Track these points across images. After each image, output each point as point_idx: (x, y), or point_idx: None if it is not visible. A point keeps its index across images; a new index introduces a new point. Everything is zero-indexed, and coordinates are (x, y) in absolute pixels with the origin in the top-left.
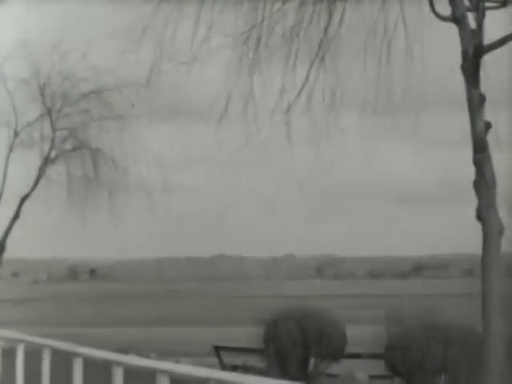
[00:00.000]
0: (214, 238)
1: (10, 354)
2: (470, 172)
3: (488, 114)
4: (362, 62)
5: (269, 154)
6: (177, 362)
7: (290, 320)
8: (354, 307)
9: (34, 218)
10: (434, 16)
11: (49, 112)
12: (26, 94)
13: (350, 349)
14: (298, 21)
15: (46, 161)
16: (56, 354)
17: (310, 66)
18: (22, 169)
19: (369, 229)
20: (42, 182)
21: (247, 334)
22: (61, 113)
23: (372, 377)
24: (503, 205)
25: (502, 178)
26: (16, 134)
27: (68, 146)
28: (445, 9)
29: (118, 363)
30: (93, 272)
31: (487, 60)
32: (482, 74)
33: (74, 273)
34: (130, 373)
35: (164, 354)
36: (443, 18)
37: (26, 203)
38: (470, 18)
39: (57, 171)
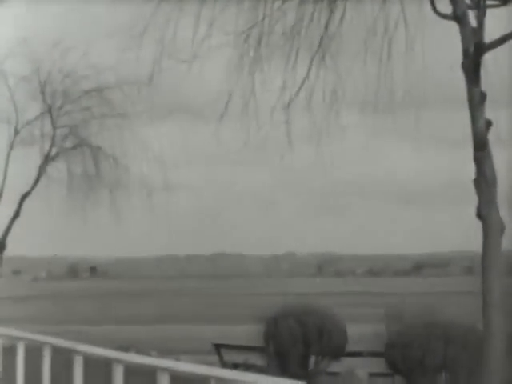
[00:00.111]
0: (215, 236)
1: (10, 351)
2: (471, 170)
3: (489, 112)
4: (362, 60)
5: (269, 152)
6: (177, 359)
7: (290, 318)
8: (355, 305)
9: (35, 216)
10: (434, 14)
11: (49, 110)
12: (26, 92)
13: (351, 347)
14: (299, 19)
15: (47, 159)
16: (56, 351)
17: (310, 64)
18: (22, 167)
19: (369, 227)
20: (43, 179)
21: (248, 332)
22: (61, 110)
23: (372, 375)
24: (504, 203)
25: (503, 175)
26: (16, 132)
27: (68, 143)
28: (445, 7)
29: (119, 361)
30: (93, 270)
31: (488, 58)
32: (482, 72)
33: (74, 271)
34: (131, 370)
35: (164, 352)
36: (444, 16)
37: (27, 201)
38: (471, 16)
39: (57, 169)
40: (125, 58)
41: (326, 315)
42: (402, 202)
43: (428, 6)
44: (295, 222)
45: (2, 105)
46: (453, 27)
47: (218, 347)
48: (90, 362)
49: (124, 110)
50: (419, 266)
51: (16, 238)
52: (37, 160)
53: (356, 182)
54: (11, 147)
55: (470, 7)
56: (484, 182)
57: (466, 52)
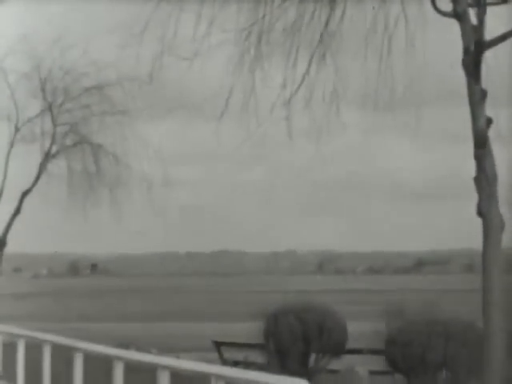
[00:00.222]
0: (216, 234)
1: (10, 348)
2: (471, 167)
3: (489, 110)
4: (362, 58)
5: (270, 150)
6: (177, 357)
7: (290, 315)
8: (355, 303)
9: (35, 213)
10: (434, 11)
11: (50, 107)
12: (26, 89)
13: (351, 344)
14: (299, 16)
15: (47, 156)
16: (57, 348)
17: (310, 61)
18: (22, 164)
19: (369, 224)
20: (43, 177)
21: (248, 330)
22: (62, 108)
23: (372, 372)
24: (504, 200)
25: (503, 173)
26: (17, 130)
27: (69, 141)
28: (446, 4)
29: (119, 358)
30: (94, 267)
31: (488, 55)
32: (483, 69)
33: (75, 268)
34: (131, 368)
35: (165, 350)
36: (444, 14)
37: (27, 198)
38: (471, 14)
39: (58, 166)
40: (125, 55)
41: (327, 313)
42: (402, 200)
43: (428, 4)
44: (295, 219)
45: (3, 102)
46: (453, 24)
47: (218, 345)
48: (90, 359)
49: (124, 108)
50: (419, 264)
51: (17, 235)
52: (37, 157)
53: (356, 180)
54: (12, 145)
55: (470, 5)
56: (484, 179)
57: (466, 49)
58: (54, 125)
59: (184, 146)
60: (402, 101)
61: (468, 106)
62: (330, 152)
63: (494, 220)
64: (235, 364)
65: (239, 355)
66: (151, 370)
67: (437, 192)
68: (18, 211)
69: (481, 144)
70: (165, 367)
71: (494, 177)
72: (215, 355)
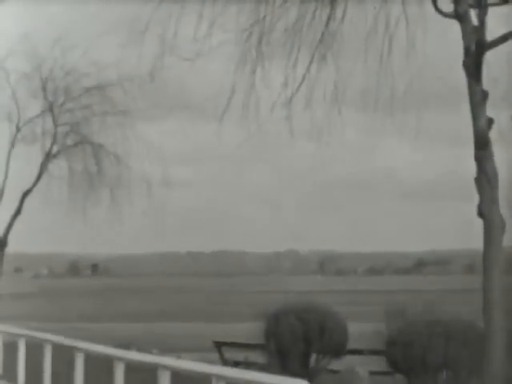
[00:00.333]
0: (217, 233)
1: (11, 348)
2: (472, 168)
3: (490, 111)
4: (363, 58)
5: (271, 149)
6: (178, 357)
7: (291, 315)
8: (356, 303)
9: (36, 214)
10: (435, 12)
11: (51, 107)
12: (28, 89)
13: (351, 345)
14: (300, 17)
15: (48, 156)
16: (57, 348)
17: (311, 61)
18: (23, 164)
19: (370, 225)
20: (44, 177)
21: (248, 330)
22: (63, 108)
23: (373, 373)
24: (504, 201)
25: (504, 174)
26: (18, 130)
27: (70, 141)
28: (447, 5)
29: (120, 358)
30: (95, 267)
31: (489, 56)
32: (484, 70)
33: (75, 268)
34: (132, 368)
35: (165, 350)
36: (445, 15)
37: (28, 198)
38: (472, 15)
39: (58, 166)
40: (126, 55)
41: (327, 313)
42: (403, 200)
43: (429, 4)
44: (297, 219)
45: (4, 102)
46: (454, 25)
47: (218, 345)
48: (91, 359)
49: (125, 108)
50: (420, 264)
51: (17, 235)
52: (38, 157)
53: (358, 180)
54: (13, 145)
55: (471, 5)
56: (485, 180)
57: (467, 50)
58: (55, 125)
59: (185, 146)
60: (403, 101)
61: (469, 106)
62: (331, 152)
63: (494, 220)
64: (236, 364)
65: (240, 355)
66: (152, 370)
67: (438, 192)
68: (18, 211)
69: (482, 145)
70: (165, 367)
71: (495, 178)
72: (216, 355)
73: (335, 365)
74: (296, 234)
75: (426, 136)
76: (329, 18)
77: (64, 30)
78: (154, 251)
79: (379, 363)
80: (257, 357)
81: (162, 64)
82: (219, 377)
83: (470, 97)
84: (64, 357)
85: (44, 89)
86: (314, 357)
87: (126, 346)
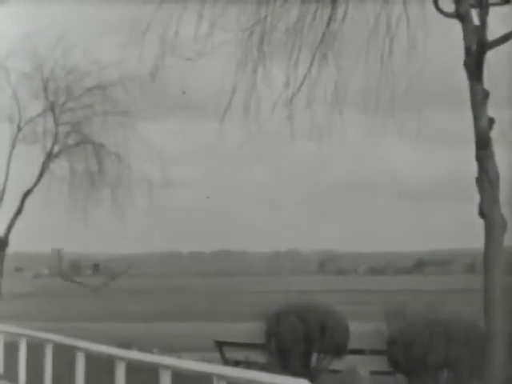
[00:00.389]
0: (218, 233)
1: (12, 348)
2: (473, 168)
3: (491, 110)
4: (364, 58)
5: (272, 149)
6: (179, 357)
7: (292, 315)
8: (357, 303)
9: (37, 213)
10: (436, 12)
11: (52, 107)
12: (29, 89)
13: (352, 345)
14: (301, 17)
15: (49, 156)
16: (58, 348)
17: (312, 61)
18: (24, 164)
19: (371, 225)
20: (45, 176)
21: (249, 330)
22: (64, 107)
23: (374, 373)
24: (506, 201)
25: (505, 173)
26: (19, 129)
27: (71, 140)
28: (448, 5)
29: (121, 358)
30: (96, 267)
31: (490, 56)
32: (485, 70)
33: (76, 267)
34: (133, 367)
35: (166, 349)
36: (447, 15)
37: (29, 198)
38: (474, 15)
39: (60, 166)
40: (127, 55)
41: (328, 313)
42: (404, 200)
43: (430, 5)
44: (297, 219)
45: (5, 102)
46: (455, 25)
47: (219, 344)
48: (92, 359)
49: (127, 108)
50: (421, 264)
51: (18, 234)
52: (39, 157)
53: (358, 180)
54: (14, 145)
55: (472, 5)
56: (486, 180)
57: (468, 50)
58: (56, 124)
59: (186, 146)
60: (404, 101)
61: (470, 106)
62: (331, 152)
63: (495, 220)
64: (237, 364)
65: (241, 355)
66: (153, 370)
67: (439, 192)
68: (19, 211)
69: (483, 145)
70: (166, 367)
71: (496, 177)
72: (217, 355)
73: (336, 364)
74: (297, 234)
75: (427, 136)
76: (330, 18)
77: (65, 29)
78: (156, 251)
79: (380, 363)
80: (258, 356)
81: (163, 64)
82: (220, 376)
83: (471, 96)
84: (65, 356)
85: (45, 88)
86: (314, 356)
87: (127, 345)
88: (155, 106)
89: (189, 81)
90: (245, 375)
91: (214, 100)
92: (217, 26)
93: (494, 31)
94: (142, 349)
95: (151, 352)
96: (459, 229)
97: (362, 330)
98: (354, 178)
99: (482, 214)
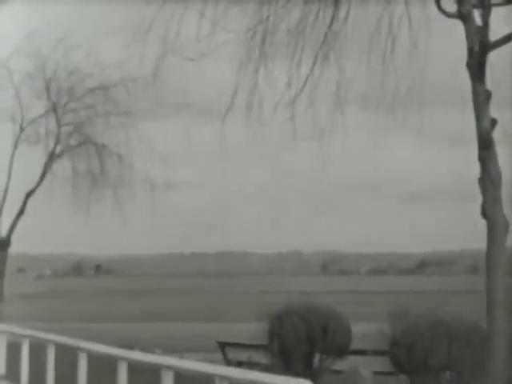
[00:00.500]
0: (220, 234)
1: (14, 348)
2: (475, 168)
3: (493, 111)
4: (366, 59)
5: (274, 150)
6: (181, 357)
7: (294, 316)
8: (359, 303)
9: (39, 214)
10: (438, 13)
11: (54, 107)
12: (31, 90)
13: (355, 345)
14: (303, 17)
15: (52, 156)
16: (60, 349)
17: (314, 62)
18: (27, 164)
19: (374, 225)
20: (47, 177)
21: (252, 330)
22: (66, 108)
23: (376, 373)
24: (508, 201)
25: (507, 174)
26: (21, 130)
27: (73, 141)
28: (450, 6)
29: (123, 358)
30: (98, 267)
31: (492, 57)
32: (487, 70)
33: (79, 268)
34: (135, 368)
35: (168, 350)
36: (449, 15)
37: (31, 199)
38: (476, 15)
39: (62, 166)
40: (129, 55)
41: (331, 313)
42: (406, 201)
43: (432, 5)
44: (300, 220)
45: (7, 102)
46: (457, 26)
47: (222, 345)
48: (94, 360)
49: (128, 108)
50: (423, 265)
51: (21, 235)
52: (41, 157)
53: (360, 180)
54: (16, 145)
55: (474, 6)
56: (489, 180)
57: (470, 50)
58: (59, 125)
59: (188, 146)
60: (405, 101)
61: (472, 107)
62: (333, 152)
63: (498, 221)
64: (239, 364)
65: (243, 356)
66: (155, 371)
67: (441, 192)
68: (22, 211)
69: (485, 145)
70: (169, 367)
71: (499, 178)
72: (219, 356)
73: (339, 365)
74: (299, 235)
75: (429, 136)
76: (332, 19)
77: (67, 30)
78: (158, 252)
79: (383, 363)
80: (260, 357)
81: (165, 64)
82: (222, 377)
83: (473, 97)
84: (67, 357)
85: (47, 89)
86: (317, 357)
87: (130, 346)
88: (157, 107)
89: (191, 81)
90: (247, 376)
91: (216, 100)
92: (219, 27)
93: (496, 32)
94: (144, 349)
95: (153, 352)
96: (462, 230)
97: (364, 330)
98: (356, 179)
99: (484, 214)
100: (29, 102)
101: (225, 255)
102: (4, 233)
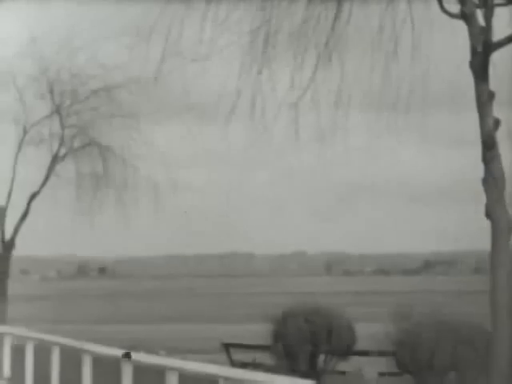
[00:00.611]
0: (224, 236)
1: (19, 350)
2: (479, 169)
3: (497, 111)
4: (369, 60)
5: (277, 152)
6: (186, 359)
7: (299, 317)
8: (363, 304)
9: (43, 216)
10: (441, 13)
11: (58, 109)
12: (35, 92)
13: (360, 346)
14: (306, 19)
15: (56, 158)
16: (65, 351)
17: (317, 63)
18: (31, 166)
19: (378, 226)
20: (51, 179)
21: (256, 331)
22: (70, 110)
23: (381, 374)
24: None
25: (511, 174)
26: (25, 132)
27: (77, 143)
28: (453, 6)
29: (128, 360)
30: (102, 270)
31: (495, 57)
32: (490, 70)
33: (83, 270)
34: (139, 370)
35: (173, 351)
36: (452, 15)
37: (35, 201)
38: (479, 15)
39: (66, 169)
40: (133, 57)
41: (335, 314)
42: (410, 201)
43: (434, 5)
44: (304, 221)
45: (11, 105)
46: (460, 26)
47: (226, 346)
48: (98, 361)
49: (132, 110)
50: (427, 265)
51: (25, 237)
52: (45, 160)
53: (364, 182)
54: (20, 147)
55: (477, 6)
56: (492, 181)
57: (474, 51)
58: (62, 127)
59: (192, 148)
60: (409, 102)
61: (475, 107)
62: (337, 154)
63: (501, 221)
64: (244, 366)
65: (248, 357)
66: (160, 372)
67: (445, 193)
68: (26, 214)
69: (489, 146)
70: (173, 369)
71: (502, 178)
72: (224, 357)
73: (343, 366)
74: (303, 236)
75: (432, 137)
76: (334, 20)
77: (71, 32)
78: (162, 253)
79: (387, 364)
80: (265, 358)
81: (168, 66)
82: (227, 378)
83: (476, 97)
84: (72, 359)
85: (51, 91)
86: (321, 358)
87: (134, 347)
88: (160, 109)
89: (194, 83)
90: (252, 377)
91: (219, 102)
92: (221, 29)
93: (499, 32)
94: (148, 351)
95: (158, 354)
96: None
97: (369, 331)
98: (360, 180)
99: (488, 214)
100: (32, 104)
101: (228, 256)
102: (8, 235)
